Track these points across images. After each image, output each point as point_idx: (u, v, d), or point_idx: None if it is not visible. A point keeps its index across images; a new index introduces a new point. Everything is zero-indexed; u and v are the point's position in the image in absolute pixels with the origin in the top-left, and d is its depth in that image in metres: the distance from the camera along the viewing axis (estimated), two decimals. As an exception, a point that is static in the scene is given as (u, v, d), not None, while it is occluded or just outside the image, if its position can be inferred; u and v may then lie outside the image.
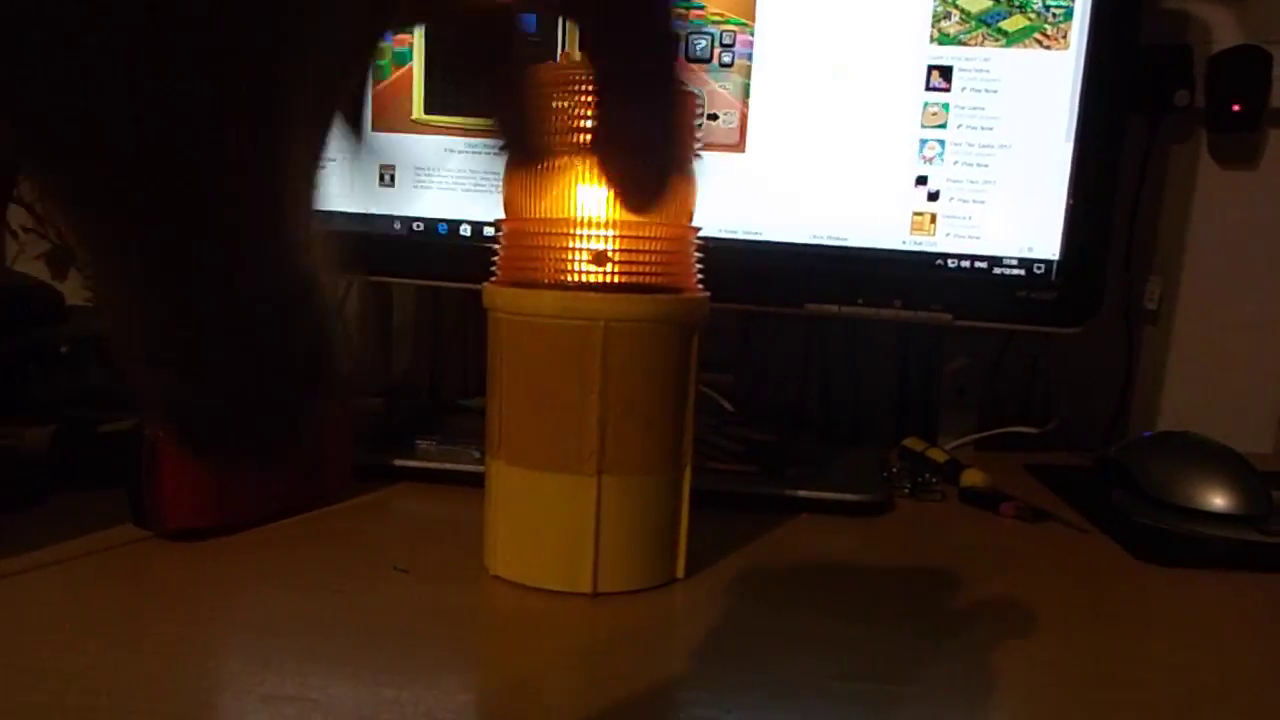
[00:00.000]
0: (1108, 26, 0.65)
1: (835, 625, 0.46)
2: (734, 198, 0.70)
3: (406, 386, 0.87)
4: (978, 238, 0.69)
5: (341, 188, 0.73)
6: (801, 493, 0.63)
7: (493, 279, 0.49)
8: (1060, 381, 0.93)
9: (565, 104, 0.46)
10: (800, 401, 0.95)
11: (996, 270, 0.69)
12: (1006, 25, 0.66)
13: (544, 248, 0.47)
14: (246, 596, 0.46)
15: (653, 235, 0.47)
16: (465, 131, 0.71)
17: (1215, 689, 0.41)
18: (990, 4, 0.66)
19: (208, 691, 0.37)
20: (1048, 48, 0.66)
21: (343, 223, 0.74)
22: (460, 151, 0.71)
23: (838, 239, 0.69)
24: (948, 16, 0.66)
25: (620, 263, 0.46)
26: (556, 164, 0.47)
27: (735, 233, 0.70)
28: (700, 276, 0.50)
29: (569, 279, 0.47)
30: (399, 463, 0.65)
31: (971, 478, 0.69)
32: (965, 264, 0.69)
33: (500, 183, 0.50)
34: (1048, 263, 0.69)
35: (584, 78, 0.46)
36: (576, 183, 0.47)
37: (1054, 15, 0.65)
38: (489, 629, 0.45)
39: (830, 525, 0.61)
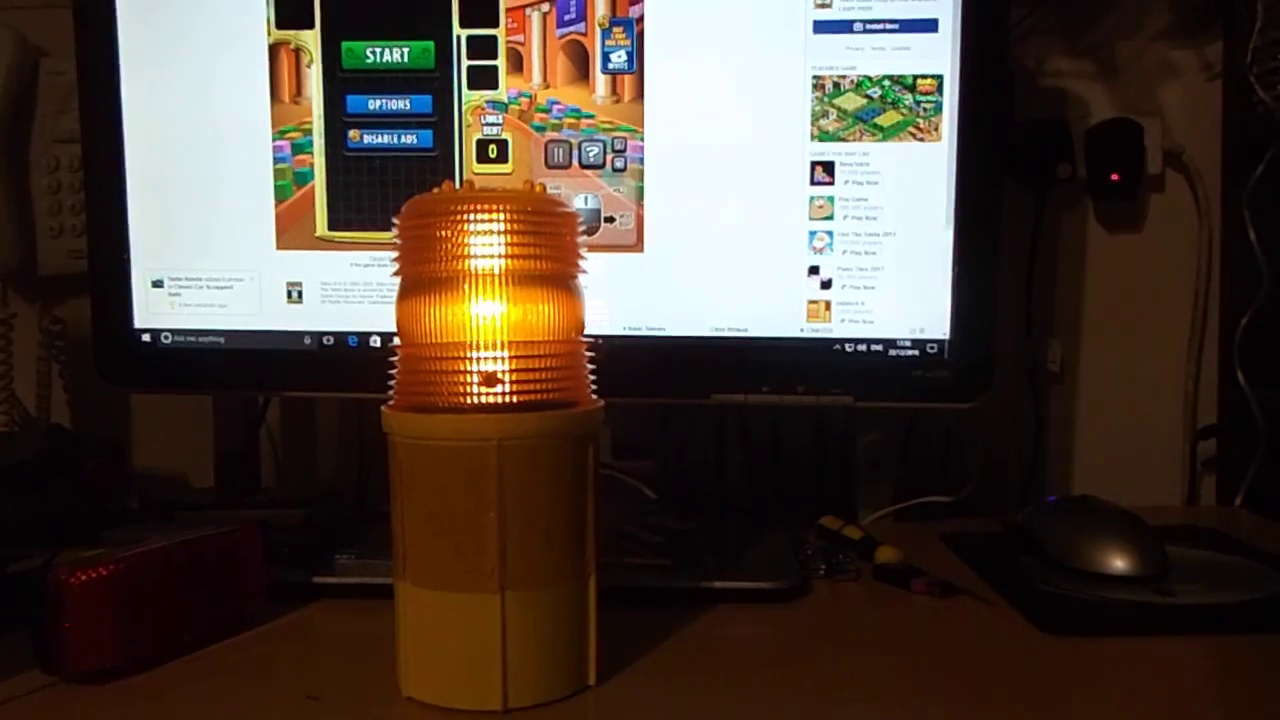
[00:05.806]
0: (975, 119, 0.69)
1: (742, 724, 0.47)
2: (635, 295, 0.72)
3: (329, 496, 0.87)
4: (871, 322, 0.71)
5: (250, 306, 0.74)
6: (717, 584, 0.64)
7: (390, 403, 0.50)
8: (974, 447, 0.95)
9: (449, 232, 0.48)
10: (722, 484, 0.97)
11: (892, 352, 0.72)
12: (881, 121, 0.69)
13: (436, 372, 0.48)
14: (153, 739, 0.46)
15: (543, 354, 0.49)
16: (368, 245, 0.72)
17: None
18: (865, 102, 0.69)
19: None
20: (921, 140, 0.69)
21: (252, 340, 0.74)
22: (365, 265, 0.73)
23: (738, 330, 0.72)
24: (826, 115, 0.69)
25: (512, 383, 0.48)
26: (445, 290, 0.48)
27: (639, 329, 0.72)
28: (594, 384, 0.52)
29: (463, 401, 0.48)
30: (317, 579, 0.65)
31: (885, 554, 0.70)
32: (862, 348, 0.72)
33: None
34: (939, 342, 0.71)
35: (467, 207, 0.48)
36: (465, 307, 0.48)
37: (924, 110, 0.69)
38: (399, 754, 0.45)
39: (745, 615, 0.62)
